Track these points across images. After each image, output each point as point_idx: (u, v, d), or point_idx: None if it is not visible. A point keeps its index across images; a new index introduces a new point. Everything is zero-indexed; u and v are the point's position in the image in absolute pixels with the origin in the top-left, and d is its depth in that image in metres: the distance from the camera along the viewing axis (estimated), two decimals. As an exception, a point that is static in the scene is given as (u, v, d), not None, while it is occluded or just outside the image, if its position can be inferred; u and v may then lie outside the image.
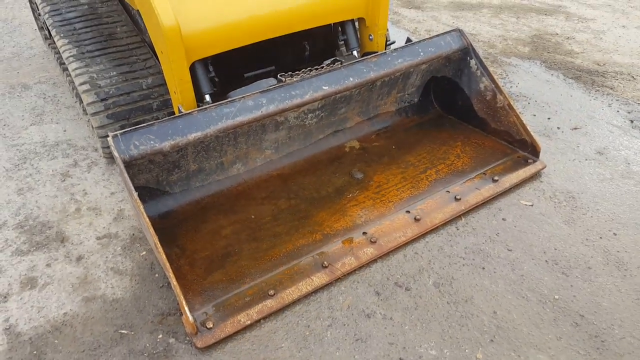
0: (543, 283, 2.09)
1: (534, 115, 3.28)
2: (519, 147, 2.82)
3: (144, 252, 2.34)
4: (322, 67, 2.53)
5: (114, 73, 2.71)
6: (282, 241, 2.28)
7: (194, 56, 2.36)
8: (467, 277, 2.12)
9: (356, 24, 2.98)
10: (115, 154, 2.00)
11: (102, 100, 2.64)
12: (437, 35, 2.84)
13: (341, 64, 2.56)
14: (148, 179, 2.36)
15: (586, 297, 2.02)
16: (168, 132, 2.12)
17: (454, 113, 3.19)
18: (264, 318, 1.96)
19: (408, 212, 2.42)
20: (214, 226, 2.40)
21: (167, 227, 2.41)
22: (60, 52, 2.80)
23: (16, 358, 1.88)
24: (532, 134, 2.70)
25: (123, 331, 1.95)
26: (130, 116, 2.70)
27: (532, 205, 2.51)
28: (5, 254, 2.35)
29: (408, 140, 2.99)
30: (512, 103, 2.75)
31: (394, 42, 3.11)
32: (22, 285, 2.19)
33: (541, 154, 2.77)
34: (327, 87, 2.47)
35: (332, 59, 2.63)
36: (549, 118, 3.25)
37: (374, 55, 2.64)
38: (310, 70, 2.51)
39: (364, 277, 2.13)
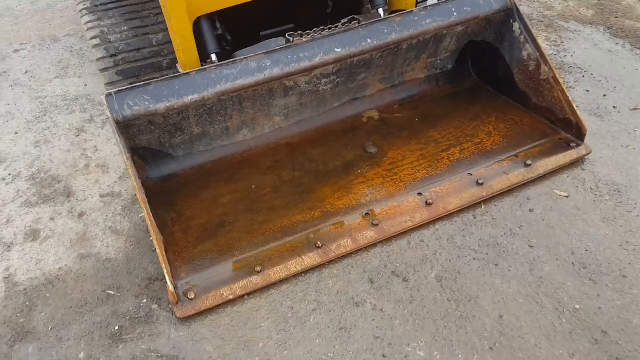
0: (565, 289, 1.84)
1: (587, 91, 2.89)
2: (562, 128, 2.48)
3: (142, 214, 2.30)
4: (336, 27, 2.30)
5: (125, 28, 2.62)
6: (279, 215, 2.16)
7: (198, 11, 2.20)
8: (476, 274, 1.91)
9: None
10: (108, 113, 1.93)
11: (112, 56, 2.57)
12: (473, -7, 2.50)
13: (359, 23, 2.32)
14: (150, 140, 2.29)
15: (614, 310, 1.76)
16: (164, 93, 2.01)
17: (493, 84, 2.86)
18: (248, 294, 1.87)
19: (420, 194, 2.21)
20: (213, 193, 2.31)
21: (167, 190, 2.35)
22: (75, 4, 2.73)
23: (10, 307, 1.92)
24: (579, 113, 2.36)
25: (110, 292, 1.94)
26: (140, 74, 2.62)
27: (567, 196, 2.21)
28: (16, 204, 2.39)
29: (435, 112, 2.72)
30: (557, 76, 2.40)
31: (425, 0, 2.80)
32: (26, 237, 2.22)
33: (588, 137, 2.43)
34: (340, 50, 2.25)
35: (350, 17, 2.39)
36: (604, 95, 2.85)
37: (398, 14, 2.37)
38: (323, 30, 2.29)
39: (360, 261, 1.98)
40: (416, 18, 2.38)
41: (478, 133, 2.54)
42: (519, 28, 2.54)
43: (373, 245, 2.04)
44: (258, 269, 1.91)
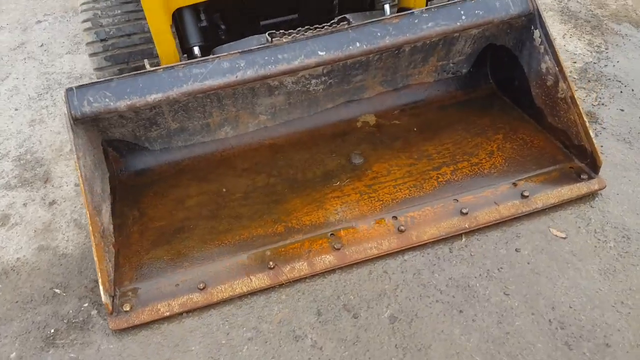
0: (532, 351, 1.62)
1: (622, 110, 2.51)
2: (575, 155, 2.17)
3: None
4: (323, 27, 2.09)
5: (119, 12, 2.53)
6: (241, 226, 2.04)
7: (176, 3, 2.07)
8: (435, 319, 1.72)
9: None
10: (65, 109, 1.87)
11: (102, 40, 2.49)
12: (491, -6, 2.19)
13: (348, 23, 2.10)
14: (123, 133, 2.22)
15: (584, 387, 1.53)
16: (126, 90, 1.92)
17: (509, 94, 2.55)
18: (187, 312, 1.79)
19: (395, 217, 2.01)
20: (182, 194, 2.23)
21: (138, 185, 2.30)
22: (75, -18, 2.67)
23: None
24: (595, 141, 2.04)
25: (57, 290, 1.92)
26: (129, 60, 2.54)
27: (565, 237, 1.94)
28: (-2, 185, 2.43)
29: (438, 122, 2.47)
30: (575, 96, 2.08)
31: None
32: (-2, 221, 2.26)
33: (609, 168, 2.13)
34: (324, 53, 2.04)
35: (340, 16, 2.16)
36: (641, 118, 2.47)
37: (397, 14, 2.12)
38: (307, 30, 2.09)
39: (312, 288, 1.84)
40: (416, 21, 2.12)
41: (479, 151, 2.28)
42: (540, 37, 2.22)
43: (331, 270, 1.89)
44: (201, 285, 1.81)
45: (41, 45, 3.42)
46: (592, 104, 2.54)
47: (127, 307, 1.77)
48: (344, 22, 2.14)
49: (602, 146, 2.31)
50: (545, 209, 2.03)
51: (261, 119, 2.42)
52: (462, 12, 2.16)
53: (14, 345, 1.74)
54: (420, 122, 2.48)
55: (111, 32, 2.50)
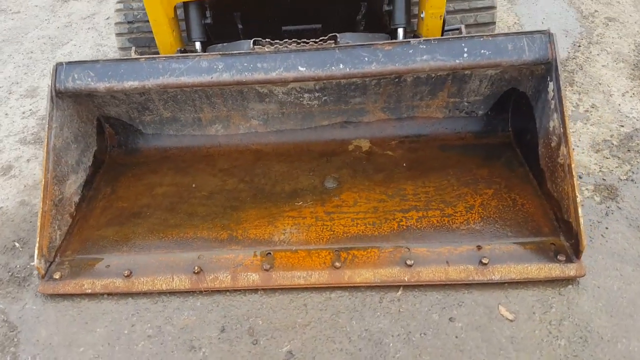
0: None
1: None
2: (563, 231, 1.93)
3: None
4: (309, 43, 2.07)
5: (151, -4, 2.71)
6: (190, 225, 2.11)
7: (175, -3, 2.18)
8: (330, 367, 1.65)
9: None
10: (49, 81, 2.06)
11: (129, 22, 2.70)
12: (509, 34, 2.01)
13: (335, 42, 2.05)
14: (119, 112, 2.40)
15: None
16: (107, 73, 2.07)
17: (522, 148, 2.33)
18: (108, 294, 1.89)
19: (337, 252, 1.95)
20: (155, 181, 2.35)
21: (124, 164, 2.47)
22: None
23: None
24: (581, 221, 1.79)
25: (17, 244, 2.15)
26: (151, 45, 2.71)
27: (512, 320, 1.75)
28: (15, 138, 2.75)
29: (432, 161, 2.33)
30: (573, 164, 1.85)
31: (458, 29, 2.34)
32: None
33: (607, 255, 1.90)
34: (304, 69, 2.03)
35: (331, 34, 2.12)
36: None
37: (391, 42, 2.03)
38: (296, 43, 2.08)
39: (228, 303, 1.85)
40: (411, 51, 2.01)
41: (458, 203, 2.11)
42: (553, 90, 1.99)
43: (254, 290, 1.89)
44: (127, 273, 1.91)
45: (107, 19, 3.76)
46: (620, 178, 2.23)
47: (57, 276, 1.92)
48: (331, 41, 2.09)
49: (607, 228, 2.03)
50: (504, 282, 1.84)
51: (253, 123, 2.47)
52: (466, 50, 2.01)
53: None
54: (413, 158, 2.36)
55: (138, 16, 2.69)
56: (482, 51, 2.01)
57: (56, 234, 2.01)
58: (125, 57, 2.10)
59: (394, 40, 2.04)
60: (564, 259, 1.85)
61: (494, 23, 2.64)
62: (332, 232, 2.04)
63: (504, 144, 2.40)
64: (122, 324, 1.80)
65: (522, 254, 1.89)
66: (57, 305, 1.88)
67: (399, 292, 1.85)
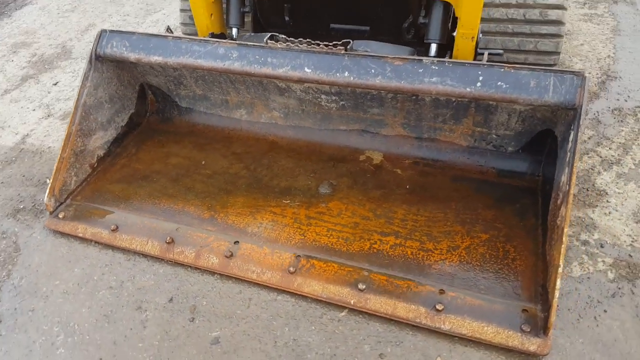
0: None
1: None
2: (541, 300, 1.77)
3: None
4: (320, 45, 2.11)
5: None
6: (183, 198, 2.32)
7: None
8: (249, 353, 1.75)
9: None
10: (92, 45, 2.37)
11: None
12: (536, 69, 1.87)
13: (345, 49, 2.07)
14: (159, 83, 2.68)
15: None
16: (139, 45, 2.33)
17: (545, 197, 2.15)
18: (95, 242, 2.18)
19: (298, 257, 2.01)
20: (173, 150, 2.60)
21: (156, 129, 2.76)
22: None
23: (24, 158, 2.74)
24: (556, 294, 1.64)
25: (48, 180, 2.53)
26: (210, 23, 2.94)
27: (444, 375, 1.68)
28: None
29: (438, 190, 2.25)
30: (565, 229, 1.68)
31: (499, 54, 2.20)
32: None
33: (584, 340, 1.71)
34: (309, 71, 2.09)
35: (344, 40, 2.12)
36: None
37: (402, 57, 2.00)
38: (304, 43, 2.14)
39: (186, 278, 2.03)
40: (421, 70, 1.97)
41: (444, 240, 2.03)
42: (572, 141, 1.81)
43: (212, 272, 2.04)
44: (113, 227, 2.17)
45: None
46: (651, 257, 1.95)
47: (61, 215, 2.26)
48: (342, 47, 2.10)
49: (605, 311, 1.80)
50: (453, 335, 1.75)
51: (274, 114, 2.59)
52: (481, 78, 1.91)
53: (-5, 203, 2.41)
54: (420, 182, 2.30)
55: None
56: (499, 83, 1.89)
57: (72, 179, 2.35)
58: (157, 34, 2.34)
59: (406, 56, 1.99)
60: (529, 330, 1.70)
61: (557, 53, 2.42)
62: (302, 237, 2.09)
63: (528, 188, 2.22)
64: (94, 271, 2.07)
65: (485, 311, 1.77)
66: (55, 240, 2.22)
67: (343, 313, 1.87)
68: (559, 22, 2.38)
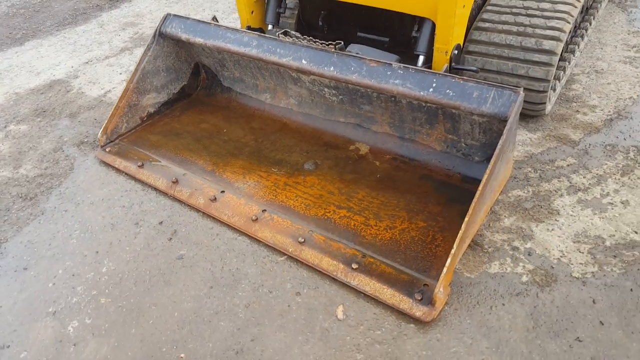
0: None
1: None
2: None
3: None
4: (317, 42, 2.63)
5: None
6: (198, 153, 2.95)
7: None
8: (194, 278, 2.30)
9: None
10: (158, 24, 3.14)
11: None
12: (482, 82, 2.23)
13: (335, 47, 2.56)
14: (209, 63, 3.39)
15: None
16: (190, 29, 3.03)
17: (490, 204, 2.45)
18: (124, 173, 2.91)
19: (264, 211, 2.53)
20: (206, 118, 3.28)
21: (201, 101, 3.47)
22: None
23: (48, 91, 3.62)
24: (444, 272, 1.99)
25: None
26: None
27: (339, 319, 2.09)
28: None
29: (403, 184, 2.64)
30: (466, 219, 2.03)
31: (475, 71, 2.54)
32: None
33: (472, 321, 2.04)
34: (305, 63, 2.63)
35: (337, 41, 2.61)
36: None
37: (378, 60, 2.46)
38: (312, 41, 2.66)
39: (177, 209, 2.64)
40: (389, 72, 2.40)
41: (385, 220, 2.42)
42: (497, 149, 2.13)
43: (198, 210, 2.64)
44: (140, 164, 2.87)
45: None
46: (576, 275, 2.17)
47: (108, 149, 3.02)
48: (332, 45, 2.59)
49: (503, 305, 2.08)
50: (359, 291, 2.16)
51: (290, 101, 3.16)
52: (434, 85, 2.30)
53: (58, 135, 3.26)
54: (391, 175, 2.71)
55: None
56: (447, 90, 2.27)
57: (123, 125, 3.11)
58: (204, 21, 3.01)
59: (380, 60, 2.44)
60: (420, 298, 2.05)
61: (547, 80, 2.68)
62: (274, 197, 2.62)
63: (486, 196, 2.53)
64: (116, 193, 2.78)
65: (391, 278, 2.15)
66: (98, 167, 2.98)
67: (282, 258, 2.35)
68: (552, 52, 2.65)
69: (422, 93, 2.31)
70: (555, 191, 2.54)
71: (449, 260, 1.99)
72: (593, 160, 2.67)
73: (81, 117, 3.50)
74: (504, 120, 2.15)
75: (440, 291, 2.01)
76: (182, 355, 1.98)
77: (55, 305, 2.17)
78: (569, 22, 2.69)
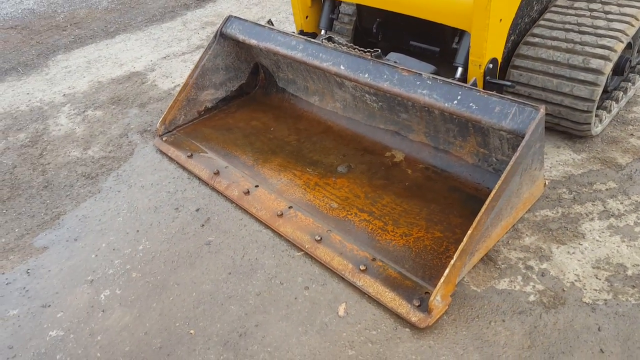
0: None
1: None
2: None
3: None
4: (357, 49, 2.84)
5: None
6: (242, 148, 3.28)
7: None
8: (217, 262, 2.62)
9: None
10: (219, 25, 3.52)
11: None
12: (505, 97, 2.33)
13: (371, 55, 2.76)
14: (266, 64, 3.73)
15: None
16: (246, 31, 3.38)
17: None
18: (175, 162, 3.31)
19: (290, 207, 2.79)
20: (258, 116, 3.61)
21: (258, 99, 3.82)
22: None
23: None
24: (439, 284, 2.13)
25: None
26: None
27: (340, 316, 2.29)
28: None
29: (431, 194, 2.77)
30: (470, 232, 2.15)
31: (510, 85, 2.62)
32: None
33: (467, 333, 2.16)
34: (343, 68, 2.86)
35: (375, 49, 2.79)
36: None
37: (409, 70, 2.62)
38: (353, 48, 2.88)
39: (214, 199, 2.99)
40: (418, 82, 2.56)
41: (403, 228, 2.58)
42: (511, 164, 2.23)
43: (231, 200, 2.96)
44: (189, 154, 3.26)
45: None
46: (588, 301, 2.21)
47: (164, 139, 3.45)
48: (370, 53, 2.78)
49: (503, 321, 2.18)
50: (363, 292, 2.35)
51: (337, 105, 3.40)
52: (459, 97, 2.43)
53: (126, 122, 3.74)
54: (420, 184, 2.85)
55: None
56: (471, 104, 2.39)
57: (181, 117, 3.53)
58: (259, 24, 3.33)
59: (411, 70, 2.60)
60: (418, 305, 2.21)
61: (592, 100, 2.68)
62: (302, 196, 2.87)
63: (514, 214, 2.61)
64: (165, 179, 3.18)
65: (396, 283, 2.32)
66: (154, 155, 3.41)
67: (299, 254, 2.59)
68: (598, 71, 2.66)
69: (446, 105, 2.45)
70: (587, 214, 2.55)
71: (447, 270, 2.12)
72: (635, 187, 2.64)
73: (149, 107, 3.98)
74: (521, 137, 2.23)
75: (438, 300, 2.15)
76: (192, 331, 2.28)
77: (94, 274, 2.57)
78: (622, 42, 2.68)
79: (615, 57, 2.67)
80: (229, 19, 3.49)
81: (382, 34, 3.51)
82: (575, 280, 2.27)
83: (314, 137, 3.32)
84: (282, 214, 2.74)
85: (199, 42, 5.09)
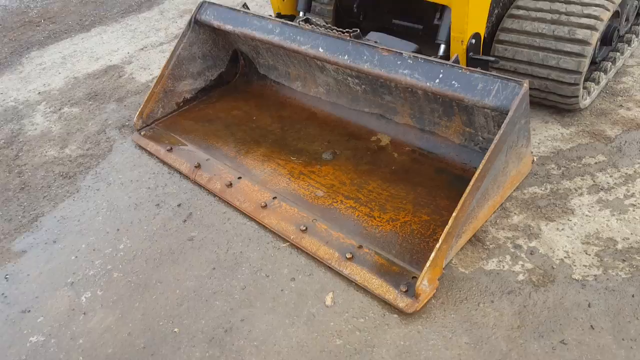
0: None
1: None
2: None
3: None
4: (334, 30, 2.82)
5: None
6: (224, 139, 3.27)
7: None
8: (198, 257, 2.63)
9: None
10: (193, 12, 3.49)
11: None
12: (488, 73, 2.33)
13: (350, 36, 2.74)
14: (245, 50, 3.70)
15: None
16: (221, 16, 3.35)
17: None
18: (155, 156, 3.30)
19: (274, 198, 2.78)
20: (239, 105, 3.60)
21: (239, 87, 3.80)
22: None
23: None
24: (427, 265, 2.14)
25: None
26: None
27: (327, 305, 2.30)
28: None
29: (417, 177, 2.78)
30: (455, 214, 2.16)
31: (494, 60, 2.62)
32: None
33: (456, 315, 2.18)
34: (322, 50, 2.84)
35: (353, 29, 2.77)
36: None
37: (390, 49, 2.61)
38: (331, 29, 2.86)
39: (197, 192, 2.98)
40: (399, 62, 2.55)
41: (389, 213, 2.58)
42: (495, 141, 2.24)
43: (214, 194, 2.95)
44: (168, 148, 3.25)
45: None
46: (577, 277, 2.23)
47: (142, 133, 3.43)
48: (347, 33, 2.76)
49: (492, 302, 2.19)
50: (350, 280, 2.36)
51: (320, 90, 3.39)
52: (441, 76, 2.42)
53: (104, 118, 3.73)
54: (407, 167, 2.86)
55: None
56: (453, 82, 2.38)
57: (159, 110, 3.51)
58: (233, 8, 3.29)
59: (393, 49, 2.59)
60: (405, 290, 2.22)
61: (579, 72, 2.68)
62: (286, 185, 2.87)
63: (501, 192, 2.61)
64: (145, 175, 3.18)
65: (383, 269, 2.33)
66: (133, 150, 3.40)
67: (284, 245, 2.59)
68: (585, 42, 2.65)
69: (428, 84, 2.44)
70: (575, 190, 2.56)
71: (433, 254, 2.14)
72: (625, 159, 2.65)
73: (127, 102, 3.97)
74: (505, 113, 2.23)
75: (425, 284, 2.16)
76: (176, 329, 2.29)
77: (74, 276, 2.57)
78: (608, 10, 2.67)
79: (601, 26, 2.66)
80: (202, 4, 3.46)
81: (364, 14, 3.50)
82: (565, 257, 2.29)
83: (297, 124, 3.32)
84: (266, 205, 2.74)
85: (177, 31, 5.06)
